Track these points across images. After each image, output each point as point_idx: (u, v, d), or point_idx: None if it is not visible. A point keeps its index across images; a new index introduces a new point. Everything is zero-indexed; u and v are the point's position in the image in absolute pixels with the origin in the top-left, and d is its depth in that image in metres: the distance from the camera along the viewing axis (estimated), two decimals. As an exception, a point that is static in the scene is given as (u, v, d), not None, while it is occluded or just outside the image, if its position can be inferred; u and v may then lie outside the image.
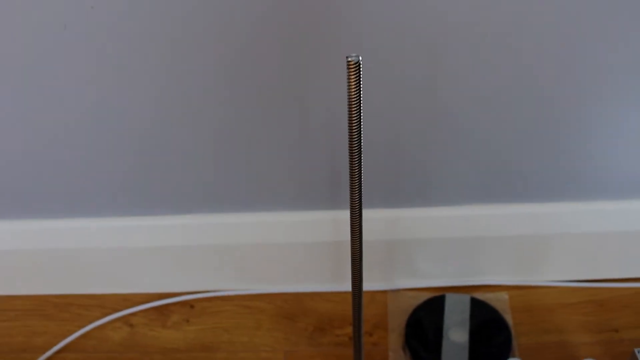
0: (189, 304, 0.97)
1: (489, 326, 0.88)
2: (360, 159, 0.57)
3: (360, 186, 0.59)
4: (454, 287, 0.95)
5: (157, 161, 0.87)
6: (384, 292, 0.95)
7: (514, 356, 0.82)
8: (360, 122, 0.52)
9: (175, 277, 0.98)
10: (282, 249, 0.94)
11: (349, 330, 0.91)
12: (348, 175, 0.58)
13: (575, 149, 0.85)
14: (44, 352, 0.91)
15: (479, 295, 0.92)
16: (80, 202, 0.92)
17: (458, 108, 0.81)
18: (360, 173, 0.58)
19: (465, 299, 0.92)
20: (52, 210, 0.93)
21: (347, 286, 0.96)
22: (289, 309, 0.95)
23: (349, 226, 0.64)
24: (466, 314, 0.90)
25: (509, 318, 0.90)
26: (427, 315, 0.90)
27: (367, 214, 0.83)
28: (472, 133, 0.83)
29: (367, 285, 0.95)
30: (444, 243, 0.92)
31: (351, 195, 0.60)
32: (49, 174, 0.89)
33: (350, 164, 0.57)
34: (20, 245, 0.95)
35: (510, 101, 0.80)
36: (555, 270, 0.95)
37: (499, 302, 0.92)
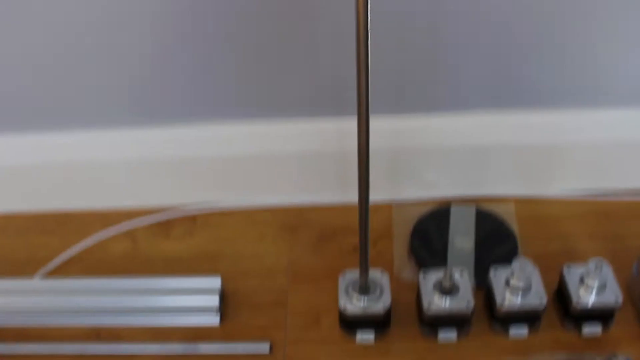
0: (192, 218, 0.96)
1: (495, 235, 0.88)
2: (367, 61, 0.55)
3: (367, 89, 0.58)
4: (460, 198, 0.94)
5: (159, 69, 0.85)
6: (389, 204, 0.94)
7: (520, 263, 0.81)
8: (368, 21, 0.50)
9: (179, 191, 0.97)
10: (284, 159, 0.92)
11: (353, 239, 0.90)
12: (354, 80, 0.57)
13: (584, 53, 0.83)
14: (46, 265, 0.91)
15: (485, 206, 0.92)
16: (81, 114, 0.90)
17: (464, 12, 0.79)
18: (367, 75, 0.56)
19: (471, 209, 0.91)
20: (52, 123, 0.91)
21: (351, 198, 0.95)
22: (293, 221, 0.94)
23: (354, 135, 0.63)
24: (472, 224, 0.89)
25: (515, 228, 0.89)
26: (432, 224, 0.89)
27: (371, 121, 0.83)
28: (478, 38, 0.81)
29: (371, 197, 0.95)
30: (450, 152, 0.90)
31: (358, 99, 0.59)
32: (47, 85, 0.87)
33: (358, 65, 0.56)
34: (20, 160, 0.94)
35: (517, 5, 0.78)
36: (563, 182, 0.94)
37: (506, 213, 0.91)
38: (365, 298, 0.76)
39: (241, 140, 0.91)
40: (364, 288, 0.76)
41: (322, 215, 0.94)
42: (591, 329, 0.77)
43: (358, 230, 0.71)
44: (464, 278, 0.77)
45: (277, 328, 0.81)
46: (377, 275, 0.78)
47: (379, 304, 0.75)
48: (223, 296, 0.84)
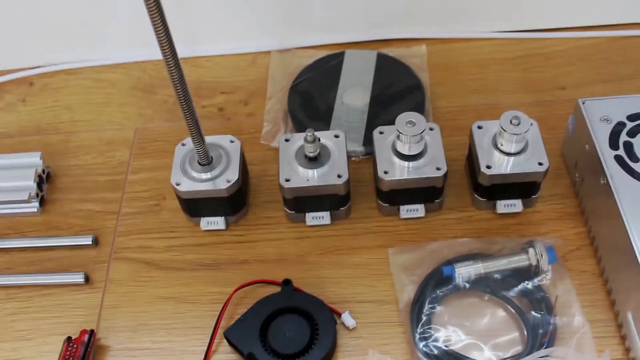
0: (28, 81, 0.76)
1: (398, 88, 0.68)
2: None
3: None
4: (359, 42, 0.73)
5: None
6: (269, 53, 0.74)
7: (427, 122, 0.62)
8: None
9: (12, 50, 0.76)
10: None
11: (219, 100, 0.71)
12: None
13: None
14: None
15: (390, 51, 0.71)
16: None
17: None
18: None
19: (371, 55, 0.70)
20: None
21: (224, 48, 0.75)
22: (148, 80, 0.74)
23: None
24: (370, 74, 0.69)
25: (425, 77, 0.69)
26: (317, 76, 0.69)
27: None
28: None
29: (245, 46, 0.74)
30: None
31: None
32: None
33: None
34: None
35: None
36: (489, 18, 0.72)
37: (415, 58, 0.71)
38: (207, 174, 0.57)
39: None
40: (203, 161, 0.57)
41: (187, 68, 0.73)
42: (508, 205, 0.58)
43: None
44: (339, 142, 0.58)
45: (108, 215, 0.63)
46: (226, 144, 0.59)
47: (222, 182, 0.56)
48: (48, 177, 0.66)
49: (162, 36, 0.45)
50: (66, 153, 0.68)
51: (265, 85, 0.70)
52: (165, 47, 0.46)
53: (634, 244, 0.49)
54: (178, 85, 0.49)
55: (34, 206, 0.63)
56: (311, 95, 0.67)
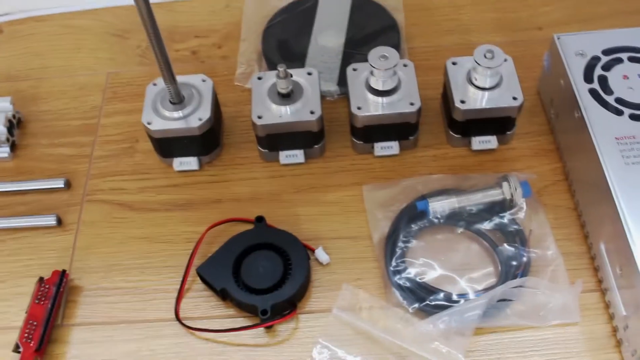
0: (-4, 28, 0.75)
1: (373, 28, 0.67)
2: None
3: None
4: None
5: None
6: (243, -4, 0.73)
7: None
8: None
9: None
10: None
11: (193, 43, 0.70)
12: None
13: None
14: None
15: (365, -7, 0.70)
16: None
17: None
18: None
19: (346, -3, 0.70)
20: None
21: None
22: (120, 25, 0.73)
23: None
24: (345, 16, 0.68)
25: (400, 18, 0.68)
26: (291, 18, 0.68)
27: None
28: None
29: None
30: None
31: None
32: None
33: None
34: None
35: None
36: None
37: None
38: (179, 112, 0.56)
39: None
40: (175, 100, 0.56)
41: (161, 13, 0.71)
42: (483, 142, 0.58)
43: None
44: (312, 79, 0.57)
45: (80, 159, 0.62)
46: (198, 83, 0.58)
47: (194, 120, 0.56)
48: (19, 123, 0.65)
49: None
50: (37, 99, 0.67)
51: (239, 29, 0.69)
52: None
53: (606, 175, 0.49)
54: (148, 22, 0.48)
55: (4, 151, 0.62)
56: (285, 37, 0.66)
